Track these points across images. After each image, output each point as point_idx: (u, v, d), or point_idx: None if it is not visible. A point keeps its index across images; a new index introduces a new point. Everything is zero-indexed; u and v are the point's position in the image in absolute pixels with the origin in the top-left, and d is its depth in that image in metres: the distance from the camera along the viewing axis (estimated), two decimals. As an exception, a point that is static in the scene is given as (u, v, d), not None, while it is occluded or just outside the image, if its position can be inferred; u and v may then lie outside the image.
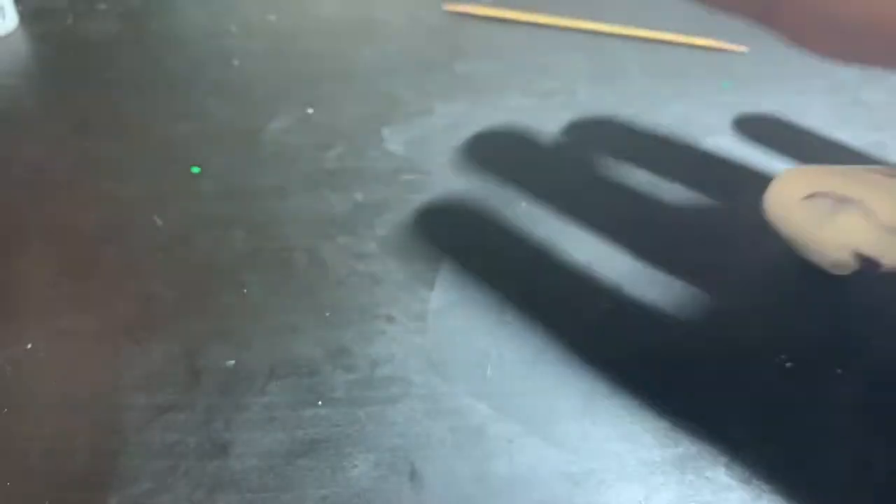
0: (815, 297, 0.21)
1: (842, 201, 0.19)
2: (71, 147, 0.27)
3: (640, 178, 0.25)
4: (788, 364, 0.18)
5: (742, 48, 0.33)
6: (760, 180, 0.25)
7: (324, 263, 0.22)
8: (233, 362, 0.19)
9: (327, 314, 0.20)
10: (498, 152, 0.27)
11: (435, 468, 0.16)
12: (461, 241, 0.22)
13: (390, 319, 0.20)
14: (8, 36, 0.35)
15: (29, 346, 0.19)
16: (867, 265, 0.19)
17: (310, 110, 0.29)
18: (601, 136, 0.27)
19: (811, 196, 0.19)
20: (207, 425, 0.17)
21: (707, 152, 0.27)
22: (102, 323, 0.20)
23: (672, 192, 0.24)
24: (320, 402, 0.18)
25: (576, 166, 0.26)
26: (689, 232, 0.23)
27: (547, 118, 0.28)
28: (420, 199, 0.24)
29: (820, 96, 0.30)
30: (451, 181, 0.25)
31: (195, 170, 0.26)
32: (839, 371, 0.18)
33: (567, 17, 0.35)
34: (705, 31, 0.34)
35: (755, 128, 0.28)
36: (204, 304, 0.20)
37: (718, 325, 0.20)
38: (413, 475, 0.16)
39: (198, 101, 0.30)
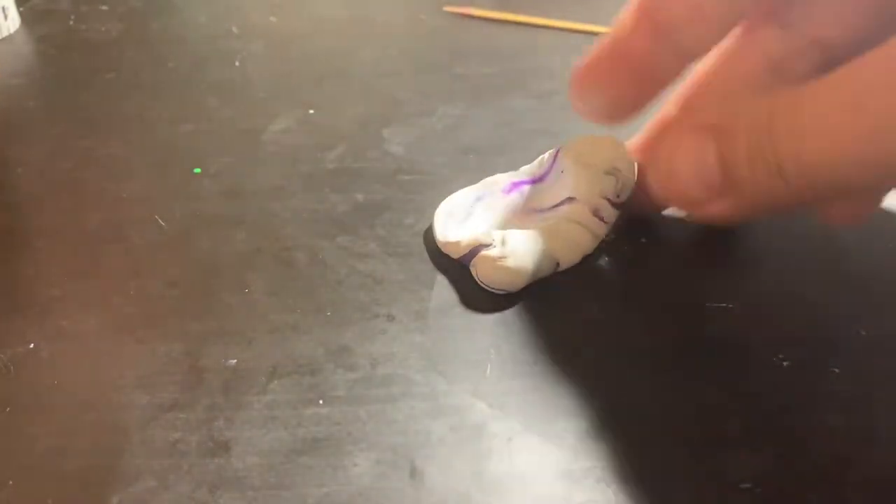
0: (812, 295, 0.21)
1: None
2: (73, 147, 0.27)
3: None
4: (786, 363, 0.19)
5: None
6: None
7: (324, 263, 0.22)
8: (234, 361, 0.19)
9: (328, 313, 0.20)
10: (497, 153, 0.27)
11: (435, 466, 0.16)
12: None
13: (391, 318, 0.20)
14: (10, 37, 0.35)
15: (31, 345, 0.19)
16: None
17: (311, 111, 0.29)
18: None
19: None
20: (209, 424, 0.17)
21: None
22: (104, 322, 0.20)
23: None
24: (321, 401, 0.18)
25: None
26: (688, 230, 0.23)
27: (547, 119, 0.28)
28: (420, 199, 0.24)
29: (818, 97, 0.30)
30: (451, 181, 0.25)
31: (197, 170, 0.26)
32: (836, 371, 0.18)
33: (566, 19, 0.35)
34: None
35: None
36: (205, 304, 0.21)
37: (717, 325, 0.20)
38: (413, 473, 0.16)
39: (199, 101, 0.30)
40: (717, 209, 0.17)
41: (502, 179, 0.23)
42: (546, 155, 0.23)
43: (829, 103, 0.15)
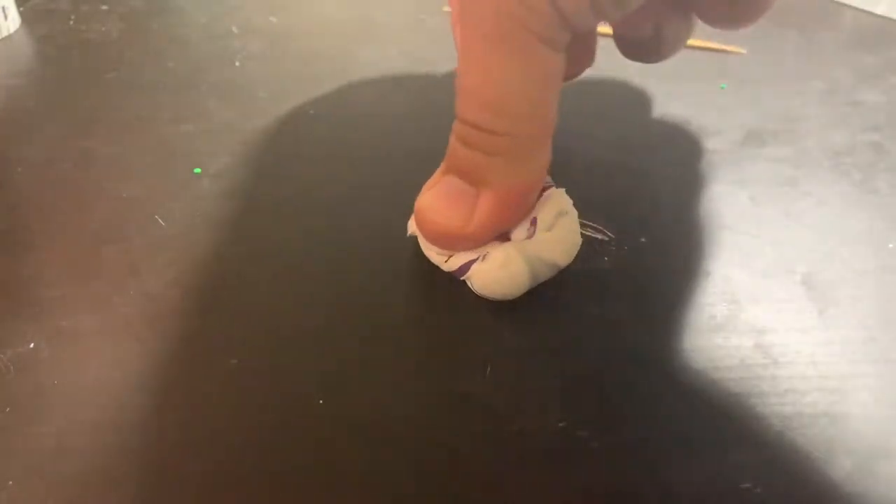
0: (812, 295, 0.21)
1: None
2: (73, 147, 0.27)
3: (639, 178, 0.25)
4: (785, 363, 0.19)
5: (741, 50, 0.33)
6: (758, 179, 0.26)
7: (325, 263, 0.22)
8: (235, 361, 0.19)
9: (329, 313, 0.20)
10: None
11: (436, 466, 0.16)
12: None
13: (391, 318, 0.20)
14: (10, 37, 0.35)
15: (31, 345, 0.19)
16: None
17: (311, 111, 0.29)
18: (600, 136, 0.27)
19: None
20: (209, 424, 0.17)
21: (706, 153, 0.27)
22: (104, 322, 0.20)
23: (672, 192, 0.25)
24: (321, 402, 0.18)
25: (575, 166, 0.26)
26: (687, 230, 0.23)
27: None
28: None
29: (817, 97, 0.31)
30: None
31: (197, 170, 0.26)
32: (835, 370, 0.18)
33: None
34: (704, 33, 0.34)
35: (753, 129, 0.28)
36: (206, 304, 0.21)
37: (717, 324, 0.20)
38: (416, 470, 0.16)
39: (199, 101, 0.30)
40: (487, 206, 0.18)
41: None
42: None
43: None
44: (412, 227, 0.21)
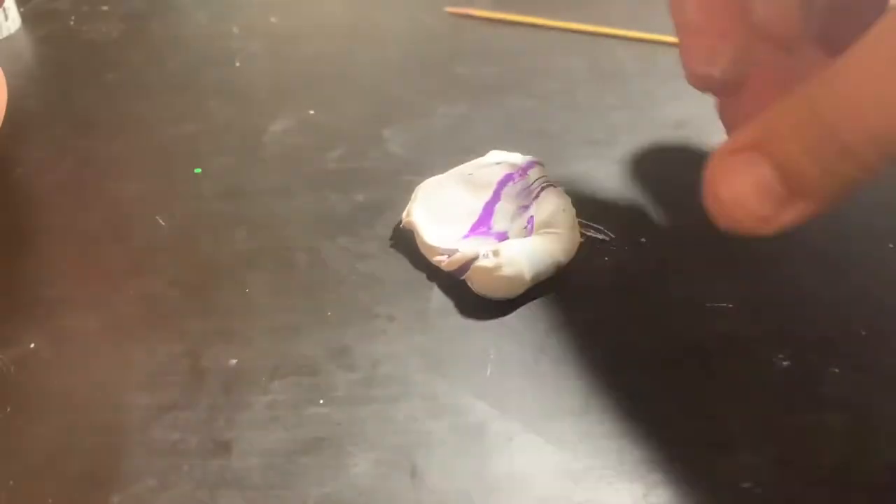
0: (812, 295, 0.21)
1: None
2: (73, 147, 0.27)
3: (639, 178, 0.25)
4: (786, 363, 0.19)
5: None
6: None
7: (325, 263, 0.22)
8: (235, 361, 0.19)
9: (329, 313, 0.20)
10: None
11: (436, 466, 0.16)
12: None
13: (391, 319, 0.20)
14: (11, 37, 0.35)
15: (32, 345, 0.19)
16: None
17: (311, 111, 0.29)
18: (599, 136, 0.27)
19: None
20: (210, 424, 0.17)
21: (705, 153, 0.27)
22: (105, 322, 0.20)
23: (672, 192, 0.25)
24: (322, 401, 0.18)
25: (574, 166, 0.26)
26: (687, 230, 0.23)
27: (547, 119, 0.28)
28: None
29: (818, 98, 0.30)
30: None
31: (197, 170, 0.26)
32: (836, 371, 0.18)
33: (567, 20, 0.35)
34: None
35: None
36: (206, 304, 0.21)
37: (717, 325, 0.20)
38: (414, 473, 0.16)
39: (200, 102, 0.30)
40: (790, 218, 0.16)
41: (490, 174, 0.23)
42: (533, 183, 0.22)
43: (874, 60, 0.14)
44: (405, 216, 0.22)
